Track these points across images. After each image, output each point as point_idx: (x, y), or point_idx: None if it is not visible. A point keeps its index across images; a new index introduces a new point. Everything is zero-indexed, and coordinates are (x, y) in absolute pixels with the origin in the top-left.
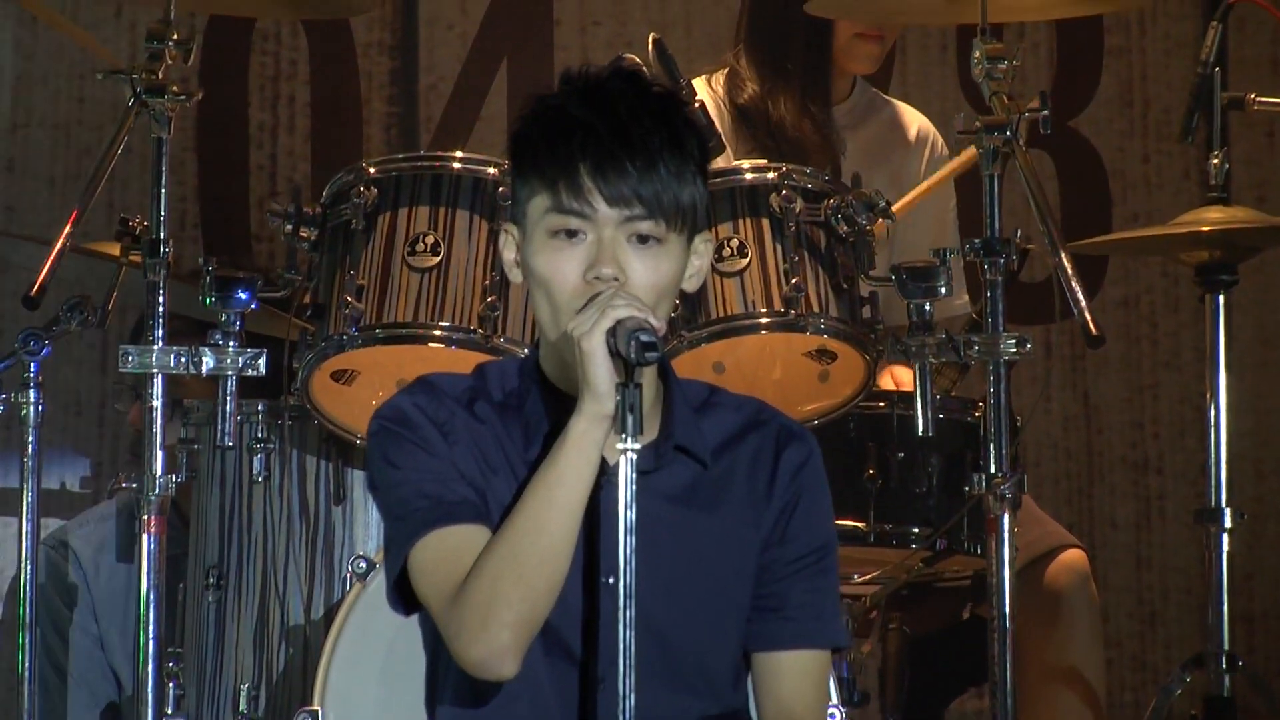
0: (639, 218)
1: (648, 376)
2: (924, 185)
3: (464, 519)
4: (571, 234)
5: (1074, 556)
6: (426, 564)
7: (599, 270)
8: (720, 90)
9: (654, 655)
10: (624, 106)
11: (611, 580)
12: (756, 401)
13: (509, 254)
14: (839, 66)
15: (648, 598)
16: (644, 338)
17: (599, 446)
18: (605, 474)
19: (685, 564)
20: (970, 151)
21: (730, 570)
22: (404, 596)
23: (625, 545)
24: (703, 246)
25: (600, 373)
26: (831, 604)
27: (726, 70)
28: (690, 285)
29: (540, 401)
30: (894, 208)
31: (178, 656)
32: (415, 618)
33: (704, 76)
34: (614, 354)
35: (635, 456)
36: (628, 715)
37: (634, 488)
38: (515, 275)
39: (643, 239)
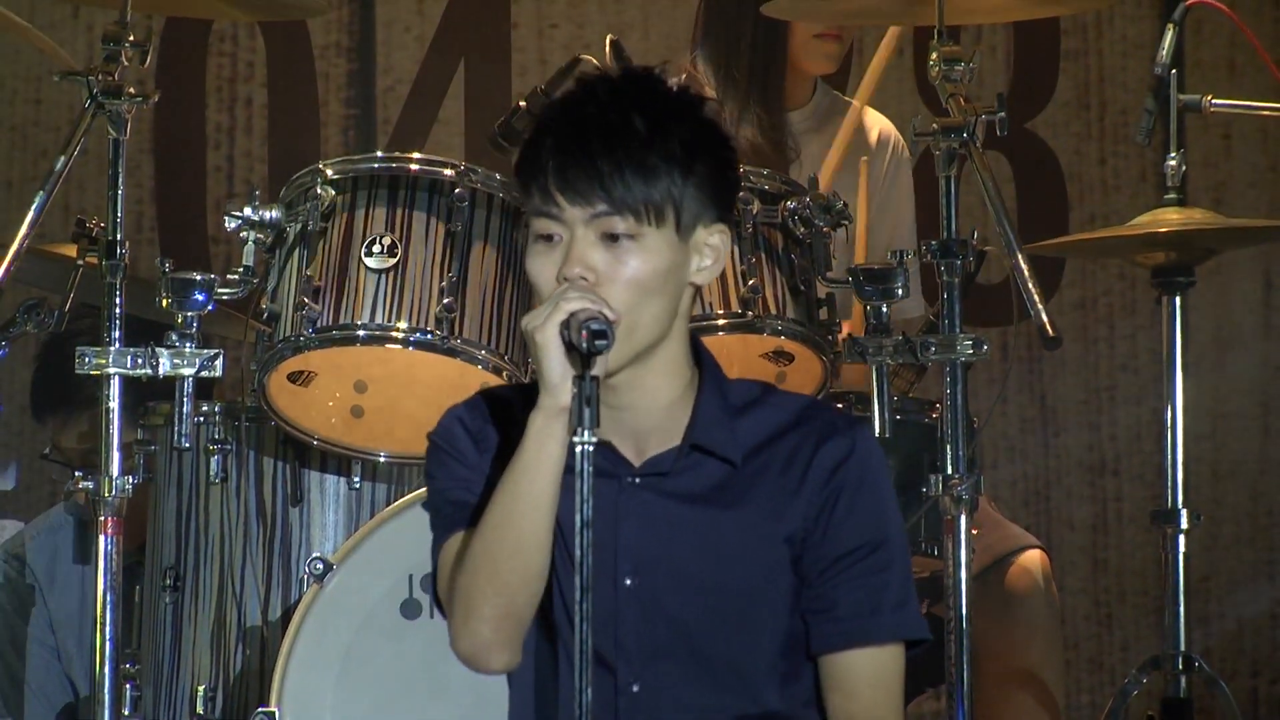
0: (604, 214)
1: (670, 375)
2: (836, 147)
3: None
4: (548, 237)
5: (1034, 558)
6: (444, 566)
7: (566, 271)
8: None
9: (683, 654)
10: (593, 106)
11: (629, 582)
12: (808, 400)
13: None
14: (797, 68)
15: (671, 597)
16: (594, 326)
17: (558, 439)
18: (618, 475)
19: (707, 562)
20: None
21: (756, 565)
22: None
23: (583, 538)
24: (715, 239)
25: (553, 365)
26: (892, 597)
27: (684, 75)
28: (700, 279)
29: None
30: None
31: (135, 658)
32: (378, 620)
33: None
34: (569, 347)
35: (592, 449)
36: (583, 709)
37: (590, 480)
38: None
39: (613, 237)
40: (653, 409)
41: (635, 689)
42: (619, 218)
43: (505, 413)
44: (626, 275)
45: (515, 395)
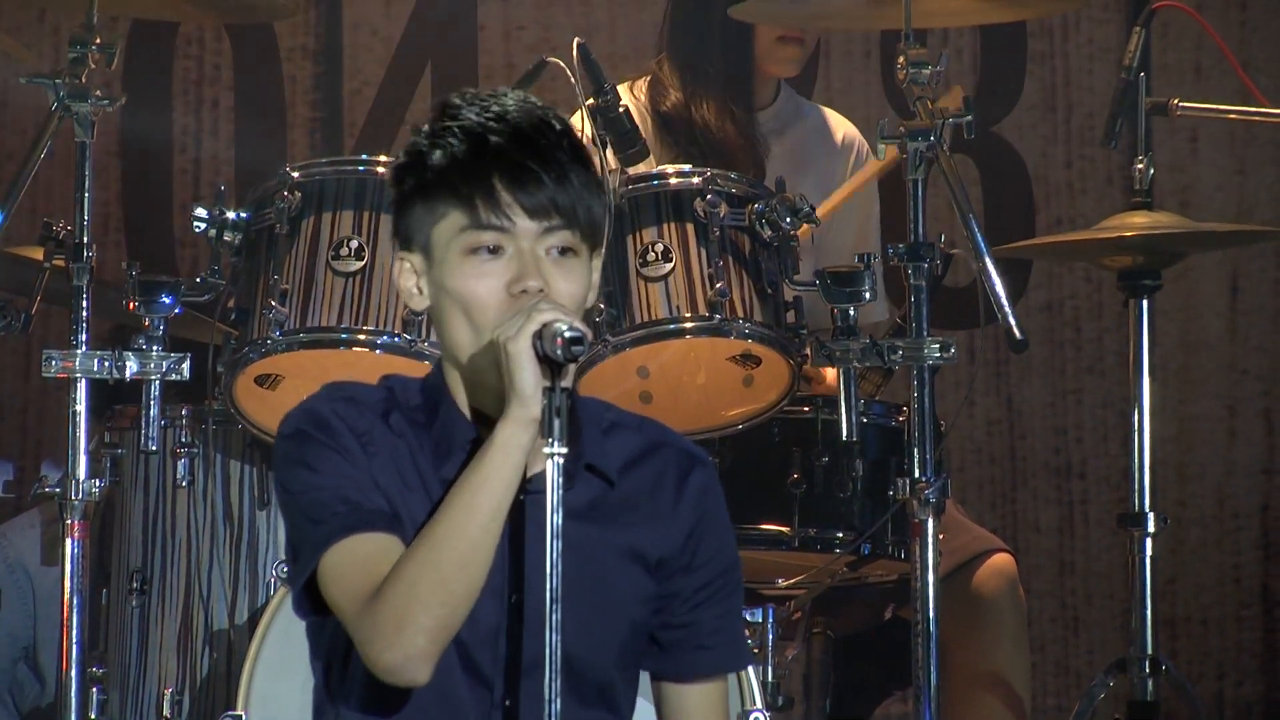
0: (558, 228)
1: None
2: (847, 187)
3: (380, 527)
4: (492, 250)
5: (1002, 561)
6: (341, 568)
7: (525, 284)
8: (643, 97)
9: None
10: (526, 122)
11: (515, 598)
12: (655, 423)
13: (408, 282)
14: (761, 70)
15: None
16: (569, 333)
17: (524, 451)
18: (522, 489)
19: (588, 582)
20: (892, 153)
21: (631, 589)
22: (311, 601)
23: (552, 550)
24: (596, 262)
25: (526, 376)
26: (739, 624)
27: (649, 77)
28: (587, 301)
29: (453, 419)
30: (818, 211)
31: (101, 661)
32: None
33: (626, 83)
34: (541, 358)
35: (563, 461)
36: (554, 716)
37: (560, 492)
38: (417, 302)
39: (562, 251)
40: None
41: (508, 703)
42: (570, 232)
43: (378, 415)
44: (571, 290)
45: (376, 397)
